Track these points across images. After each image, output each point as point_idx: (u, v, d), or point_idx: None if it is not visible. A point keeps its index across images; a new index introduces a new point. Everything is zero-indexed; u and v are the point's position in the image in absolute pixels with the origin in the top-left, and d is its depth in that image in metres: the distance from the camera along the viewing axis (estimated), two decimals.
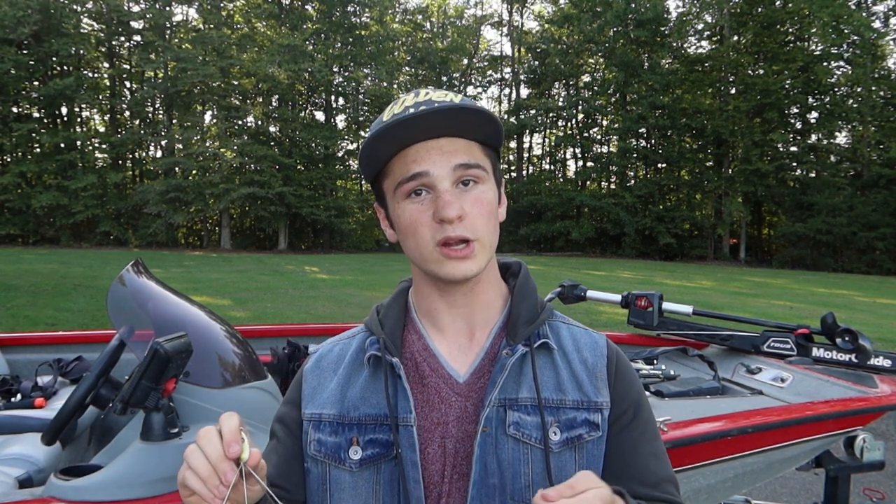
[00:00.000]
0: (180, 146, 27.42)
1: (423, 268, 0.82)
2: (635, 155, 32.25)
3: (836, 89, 27.65)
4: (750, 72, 28.98)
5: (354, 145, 33.61)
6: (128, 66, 30.22)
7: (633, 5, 29.94)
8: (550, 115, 34.39)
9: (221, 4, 28.74)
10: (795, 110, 29.33)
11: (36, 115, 27.30)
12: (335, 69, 30.87)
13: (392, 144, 0.78)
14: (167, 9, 27.78)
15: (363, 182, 36.15)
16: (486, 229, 0.79)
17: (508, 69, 37.16)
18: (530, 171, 36.89)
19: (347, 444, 0.82)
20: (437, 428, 0.81)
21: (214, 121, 29.28)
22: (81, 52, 27.40)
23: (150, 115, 29.80)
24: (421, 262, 0.81)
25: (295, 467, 0.86)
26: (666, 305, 2.82)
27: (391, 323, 0.87)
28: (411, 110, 0.76)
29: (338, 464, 0.82)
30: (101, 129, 29.95)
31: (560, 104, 33.74)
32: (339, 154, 32.06)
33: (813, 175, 27.71)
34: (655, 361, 2.58)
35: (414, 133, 0.76)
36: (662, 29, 30.82)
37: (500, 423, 0.80)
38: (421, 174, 0.77)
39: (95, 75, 29.51)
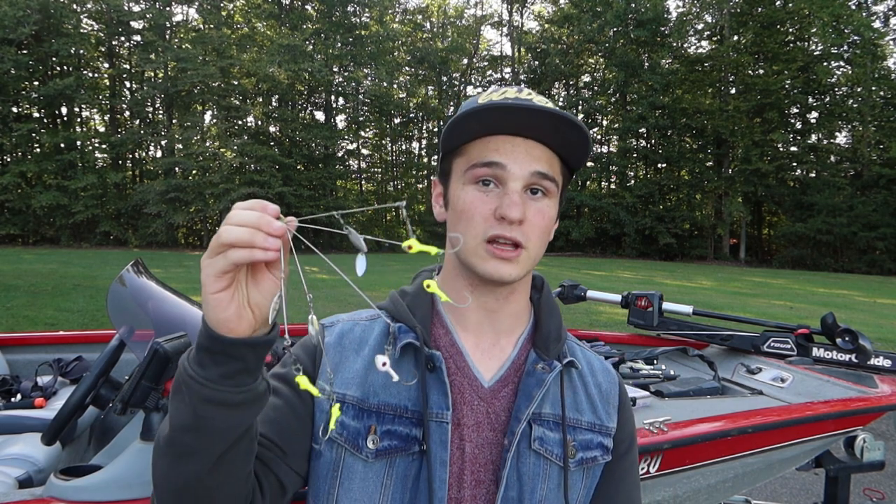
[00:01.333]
0: (180, 146, 27.41)
1: (463, 258, 0.79)
2: (635, 155, 32.28)
3: (836, 89, 27.68)
4: (750, 72, 29.00)
5: (354, 145, 33.64)
6: (128, 66, 30.21)
7: (633, 5, 29.97)
8: None
9: (221, 4, 28.75)
10: (795, 110, 29.37)
11: (36, 115, 27.30)
12: (335, 69, 30.87)
13: (483, 127, 0.75)
14: (167, 9, 27.78)
15: (363, 182, 36.20)
16: (538, 242, 0.78)
17: (508, 69, 37.16)
18: None
19: (366, 432, 0.78)
20: (457, 430, 0.79)
21: (214, 121, 29.28)
22: (81, 52, 27.40)
23: (150, 115, 29.79)
24: (463, 252, 0.78)
25: (297, 429, 0.79)
26: (666, 305, 2.83)
27: (421, 314, 0.83)
28: (529, 104, 0.74)
29: (354, 450, 0.78)
30: (101, 129, 29.94)
31: (560, 104, 33.72)
32: (339, 154, 32.05)
33: (813, 175, 27.74)
34: (655, 361, 2.58)
35: (508, 124, 0.74)
36: (662, 29, 30.84)
37: (525, 436, 0.79)
38: (498, 164, 0.75)
39: (95, 75, 29.50)
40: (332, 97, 32.25)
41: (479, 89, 37.87)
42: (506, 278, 0.76)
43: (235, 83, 28.89)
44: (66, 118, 27.88)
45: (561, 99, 34.76)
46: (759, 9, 28.26)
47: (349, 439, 0.78)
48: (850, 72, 26.82)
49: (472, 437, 0.79)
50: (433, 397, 0.77)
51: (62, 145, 26.31)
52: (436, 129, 35.31)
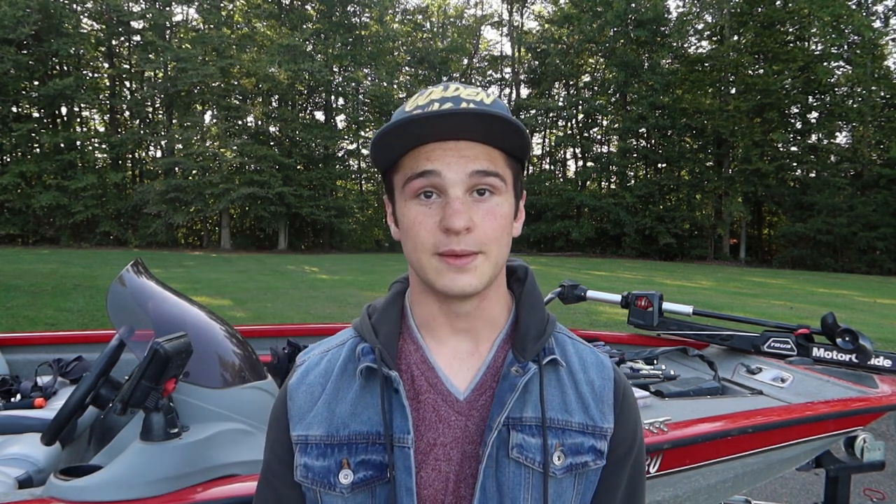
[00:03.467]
0: (180, 146, 27.42)
1: (420, 275, 0.75)
2: (635, 155, 32.27)
3: (836, 89, 27.67)
4: (750, 72, 28.99)
5: (354, 145, 33.67)
6: (128, 66, 30.22)
7: (634, 5, 29.96)
8: (550, 115, 34.40)
9: (221, 4, 28.74)
10: (795, 110, 29.35)
11: (36, 115, 27.31)
12: (335, 69, 30.87)
13: (406, 140, 0.71)
14: (167, 9, 27.79)
15: (363, 182, 36.20)
16: (496, 244, 0.72)
17: (508, 69, 37.18)
18: (530, 171, 36.89)
19: (337, 468, 0.75)
20: (432, 449, 0.75)
21: (214, 121, 29.29)
22: (81, 52, 27.41)
23: (150, 115, 29.80)
24: (418, 269, 0.74)
25: None
26: (666, 305, 2.83)
27: (387, 330, 0.79)
28: (436, 105, 0.71)
29: (328, 490, 0.75)
30: (101, 129, 29.95)
31: (560, 104, 33.75)
32: (339, 154, 32.06)
33: (813, 175, 27.72)
34: (655, 361, 2.59)
35: (432, 131, 0.70)
36: (662, 29, 30.84)
37: (503, 444, 0.75)
38: (432, 173, 0.70)
39: (95, 75, 29.51)
40: (332, 97, 32.24)
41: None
42: (467, 290, 0.71)
43: (235, 83, 28.89)
44: (66, 118, 27.89)
45: (561, 99, 34.76)
46: (759, 9, 28.24)
47: (317, 480, 0.76)
48: (850, 72, 26.79)
49: (451, 455, 0.75)
50: (397, 421, 0.74)
51: (62, 145, 26.32)
52: None
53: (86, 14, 27.86)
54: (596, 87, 33.91)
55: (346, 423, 0.76)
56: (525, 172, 0.81)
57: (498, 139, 0.72)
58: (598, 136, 34.80)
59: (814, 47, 28.35)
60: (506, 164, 0.74)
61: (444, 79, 35.28)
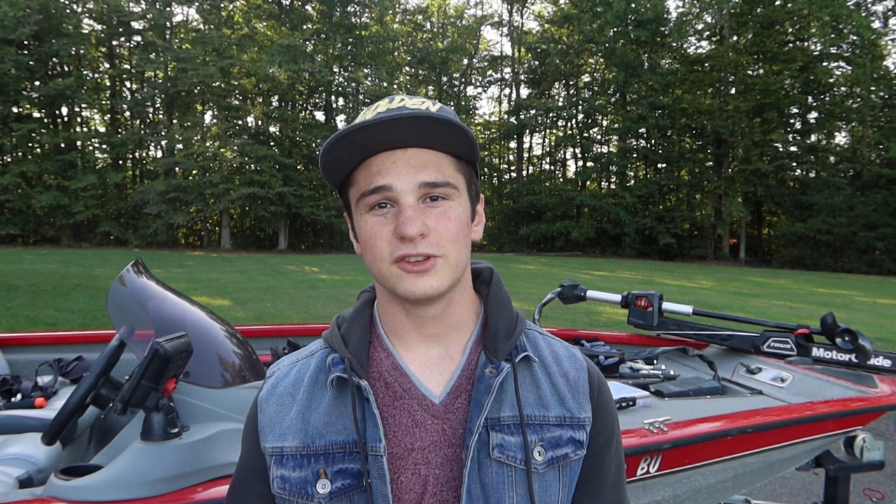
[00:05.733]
0: (180, 146, 27.43)
1: (383, 284, 0.76)
2: (635, 155, 32.28)
3: (835, 89, 27.68)
4: (750, 72, 29.00)
5: None
6: (128, 66, 30.23)
7: (633, 5, 29.96)
8: (550, 115, 34.40)
9: (221, 5, 28.75)
10: (795, 110, 29.36)
11: (36, 115, 27.31)
12: (335, 69, 30.88)
13: (353, 153, 0.72)
14: (167, 9, 27.79)
15: None
16: (453, 245, 0.73)
17: (508, 69, 37.17)
18: (530, 171, 36.92)
19: (314, 478, 0.75)
20: (410, 454, 0.76)
21: (214, 121, 29.29)
22: (82, 52, 27.43)
23: (150, 115, 29.81)
24: (380, 279, 0.75)
25: None
26: (666, 305, 2.83)
27: (356, 339, 0.80)
28: (382, 116, 0.70)
29: (306, 500, 0.75)
30: (102, 129, 29.97)
31: (560, 104, 33.74)
32: None
33: (813, 175, 27.73)
34: (655, 361, 2.59)
35: (377, 142, 0.70)
36: (662, 29, 30.84)
37: (484, 445, 0.75)
38: (384, 187, 0.71)
39: (96, 75, 29.53)
40: (333, 97, 32.25)
41: (480, 90, 37.80)
42: (429, 292, 0.72)
43: (235, 83, 28.89)
44: (66, 118, 27.90)
45: (561, 99, 34.76)
46: (759, 9, 28.24)
47: (294, 491, 0.76)
48: (849, 72, 26.81)
49: (430, 458, 0.76)
50: (369, 430, 0.75)
51: (62, 145, 26.33)
52: None
53: (86, 14, 27.88)
54: (596, 87, 33.91)
55: (321, 434, 0.76)
56: (478, 177, 0.82)
57: (443, 143, 0.72)
58: (598, 136, 34.80)
59: (813, 47, 28.35)
60: (456, 170, 0.75)
61: (444, 79, 35.31)
